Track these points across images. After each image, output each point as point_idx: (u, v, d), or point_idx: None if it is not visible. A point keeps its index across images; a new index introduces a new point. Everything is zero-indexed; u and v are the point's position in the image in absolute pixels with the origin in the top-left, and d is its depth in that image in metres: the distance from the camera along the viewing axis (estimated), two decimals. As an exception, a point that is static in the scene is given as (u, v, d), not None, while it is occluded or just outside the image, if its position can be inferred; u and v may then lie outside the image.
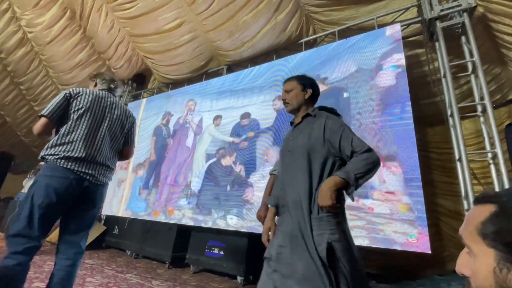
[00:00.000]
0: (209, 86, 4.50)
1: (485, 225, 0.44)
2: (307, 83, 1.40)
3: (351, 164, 1.13)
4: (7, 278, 1.25)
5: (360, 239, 2.32)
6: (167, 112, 4.97)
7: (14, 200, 5.13)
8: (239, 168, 3.45)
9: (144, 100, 5.69)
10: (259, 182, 3.19)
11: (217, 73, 4.82)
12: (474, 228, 0.45)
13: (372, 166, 1.12)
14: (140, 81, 6.23)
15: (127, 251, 4.27)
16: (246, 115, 3.73)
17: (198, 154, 4.05)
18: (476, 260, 0.44)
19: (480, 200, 0.48)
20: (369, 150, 1.14)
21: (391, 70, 2.76)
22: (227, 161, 3.62)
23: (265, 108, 3.59)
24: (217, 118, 4.03)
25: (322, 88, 3.13)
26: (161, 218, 3.91)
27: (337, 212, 1.11)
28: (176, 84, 5.34)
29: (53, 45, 5.47)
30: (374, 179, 2.40)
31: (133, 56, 5.54)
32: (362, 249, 2.38)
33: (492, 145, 2.52)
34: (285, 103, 1.40)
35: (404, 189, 2.30)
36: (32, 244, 1.33)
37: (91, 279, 2.62)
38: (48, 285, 1.39)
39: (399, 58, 2.76)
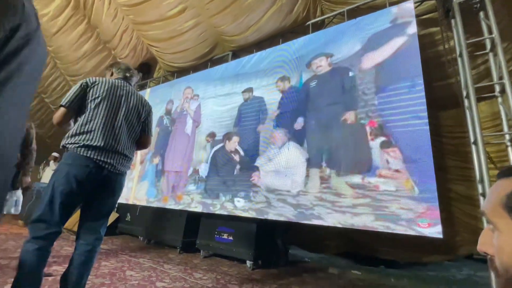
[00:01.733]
0: (213, 73, 4.47)
1: (510, 198, 0.41)
2: None
3: None
4: (29, 262, 1.30)
5: (364, 216, 2.30)
6: (170, 100, 4.99)
7: (31, 190, 5.32)
8: (244, 153, 3.46)
9: (149, 89, 5.70)
10: (265, 165, 3.19)
11: (222, 60, 4.75)
12: (498, 202, 0.42)
13: None
14: (146, 70, 6.22)
15: (139, 237, 4.41)
16: (248, 90, 3.79)
17: (199, 141, 4.09)
18: (501, 235, 0.41)
19: (505, 173, 0.45)
20: None
21: (402, 48, 2.63)
22: (232, 146, 3.63)
23: (268, 92, 3.55)
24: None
25: (326, 68, 3.05)
26: (171, 204, 3.99)
27: None
28: (181, 72, 5.30)
29: (59, 36, 5.48)
30: (380, 158, 2.35)
31: (138, 44, 5.50)
32: (371, 232, 2.37)
33: (511, 127, 2.41)
34: None
35: (414, 171, 2.24)
36: (53, 230, 1.37)
37: (106, 263, 2.73)
38: (67, 269, 1.43)
39: (411, 37, 2.63)
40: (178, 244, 3.71)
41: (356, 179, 2.43)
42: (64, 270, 1.45)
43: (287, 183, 2.90)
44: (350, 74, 2.84)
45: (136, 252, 3.46)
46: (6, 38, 0.73)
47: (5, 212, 2.28)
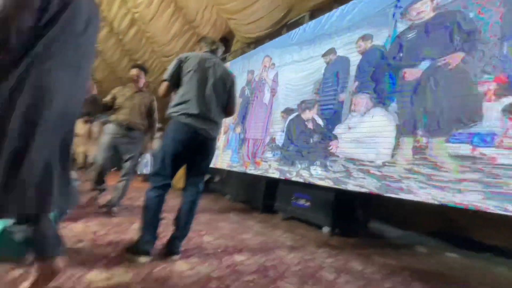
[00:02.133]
0: (289, 38, 4.29)
1: None
2: None
3: None
4: (151, 205, 1.73)
5: (471, 194, 1.93)
6: (250, 70, 5.13)
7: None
8: (322, 121, 3.32)
9: (228, 63, 5.99)
10: (344, 134, 2.98)
11: (298, 23, 4.49)
12: None
13: None
14: (224, 44, 6.51)
15: (226, 195, 5.06)
16: (329, 52, 3.50)
17: (276, 110, 4.14)
18: None
19: None
20: None
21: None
22: (309, 114, 3.53)
23: (349, 52, 3.18)
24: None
25: (429, 14, 2.48)
26: (251, 169, 4.34)
27: None
28: (257, 42, 5.34)
29: (153, 21, 6.28)
30: (501, 124, 1.85)
31: (218, 20, 5.77)
32: (475, 213, 2.00)
33: None
34: None
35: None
36: (167, 182, 1.76)
37: (203, 214, 3.28)
38: (177, 214, 1.87)
39: None
40: (259, 206, 4.07)
41: (464, 149, 2.02)
42: (172, 217, 1.88)
43: (370, 153, 2.68)
44: (470, 15, 2.16)
45: (225, 208, 4.00)
46: (46, 4, 0.86)
47: (138, 172, 2.95)
